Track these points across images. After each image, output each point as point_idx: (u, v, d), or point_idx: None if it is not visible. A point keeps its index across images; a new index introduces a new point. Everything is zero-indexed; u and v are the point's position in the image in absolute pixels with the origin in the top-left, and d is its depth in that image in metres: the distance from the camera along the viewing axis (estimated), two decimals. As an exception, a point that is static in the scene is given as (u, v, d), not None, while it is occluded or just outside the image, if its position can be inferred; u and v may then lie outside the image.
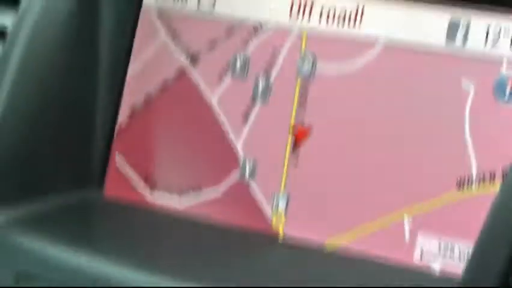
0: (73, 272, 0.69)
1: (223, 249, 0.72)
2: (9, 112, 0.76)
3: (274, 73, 0.72)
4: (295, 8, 0.73)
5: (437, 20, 0.69)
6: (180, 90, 0.77)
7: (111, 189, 0.78)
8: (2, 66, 0.77)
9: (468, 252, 0.63)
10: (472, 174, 0.66)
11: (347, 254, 0.70)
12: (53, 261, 0.70)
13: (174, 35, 0.77)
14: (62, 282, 0.69)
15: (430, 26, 0.69)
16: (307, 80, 0.71)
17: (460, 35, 0.68)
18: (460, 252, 0.66)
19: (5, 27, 0.80)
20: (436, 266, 0.66)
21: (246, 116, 0.73)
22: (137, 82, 0.78)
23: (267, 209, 0.72)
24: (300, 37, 0.72)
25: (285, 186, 0.72)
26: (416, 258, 0.67)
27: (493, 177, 0.64)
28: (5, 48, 0.77)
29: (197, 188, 0.75)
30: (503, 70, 0.65)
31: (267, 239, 0.73)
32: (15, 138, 0.76)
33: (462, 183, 0.66)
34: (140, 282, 0.66)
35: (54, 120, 0.77)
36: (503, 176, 0.62)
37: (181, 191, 0.76)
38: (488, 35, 0.67)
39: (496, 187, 0.63)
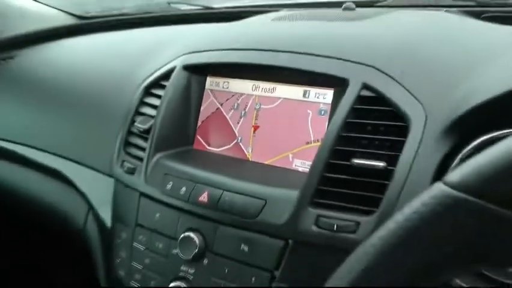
0: (192, 176, 0.71)
1: (234, 163, 0.74)
2: (165, 122, 0.77)
3: (247, 109, 0.75)
4: (254, 88, 0.75)
5: (298, 90, 0.70)
6: (217, 115, 0.78)
7: (196, 146, 0.79)
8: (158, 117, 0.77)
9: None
10: (311, 140, 0.68)
11: (271, 166, 0.71)
12: (183, 172, 0.72)
13: (215, 96, 0.78)
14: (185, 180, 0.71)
15: (299, 93, 0.70)
16: (258, 111, 0.74)
17: (307, 95, 0.70)
18: (307, 165, 0.68)
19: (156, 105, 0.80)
20: (300, 169, 0.68)
21: (238, 121, 0.76)
22: (203, 114, 0.79)
23: (246, 152, 0.75)
24: (255, 98, 0.74)
25: (251, 144, 0.74)
26: (293, 167, 0.70)
27: (319, 140, 0.66)
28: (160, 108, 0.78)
29: (222, 145, 0.77)
30: (321, 106, 0.68)
31: (245, 161, 0.74)
32: (170, 132, 0.77)
33: (308, 142, 0.69)
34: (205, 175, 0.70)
35: (182, 129, 0.78)
36: (323, 140, 0.62)
37: (217, 146, 0.77)
38: (315, 95, 0.69)
39: (318, 144, 0.64)
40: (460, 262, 0.30)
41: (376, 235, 0.32)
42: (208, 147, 0.78)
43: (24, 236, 1.30)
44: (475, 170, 0.28)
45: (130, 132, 0.81)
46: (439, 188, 0.29)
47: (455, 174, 0.29)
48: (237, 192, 0.65)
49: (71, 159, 0.89)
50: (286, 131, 0.71)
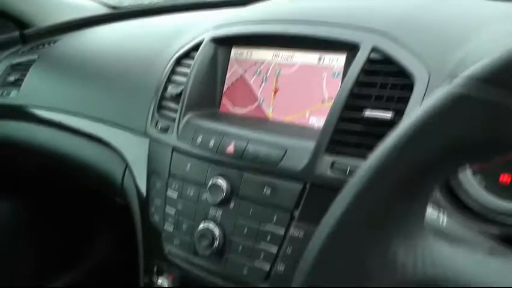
0: (220, 131, 0.71)
1: (256, 121, 0.74)
2: (194, 87, 0.77)
3: (268, 74, 0.75)
4: (274, 56, 0.75)
5: (314, 56, 0.71)
6: (241, 81, 0.78)
7: (222, 108, 0.79)
8: (188, 82, 0.78)
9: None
10: (326, 99, 0.69)
11: (290, 123, 0.72)
12: (211, 128, 0.73)
13: (239, 64, 0.78)
14: (214, 135, 0.71)
15: (314, 58, 0.71)
16: (278, 76, 0.75)
17: (322, 60, 0.71)
18: (322, 122, 0.67)
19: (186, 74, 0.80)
20: (316, 126, 0.69)
21: (260, 85, 0.76)
22: (228, 80, 0.79)
23: (267, 112, 0.75)
24: (275, 64, 0.75)
25: (272, 104, 0.75)
26: (309, 124, 0.70)
27: (332, 99, 0.66)
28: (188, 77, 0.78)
29: (245, 107, 0.77)
30: (334, 69, 0.69)
31: (267, 120, 0.75)
32: (199, 96, 0.78)
33: (323, 101, 0.70)
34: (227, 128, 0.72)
35: (209, 93, 0.79)
36: (337, 96, 0.63)
37: (241, 108, 0.78)
38: (330, 60, 0.69)
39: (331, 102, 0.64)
40: (470, 151, 0.30)
41: (391, 135, 0.32)
42: (233, 110, 0.79)
43: (73, 196, 1.32)
44: (477, 69, 0.28)
45: (163, 97, 0.81)
46: (447, 87, 0.30)
47: (461, 76, 0.29)
48: (260, 143, 0.65)
49: (111, 123, 0.91)
50: (303, 92, 0.71)
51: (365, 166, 0.33)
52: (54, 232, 1.35)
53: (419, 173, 0.31)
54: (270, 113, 0.75)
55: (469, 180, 0.57)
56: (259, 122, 0.73)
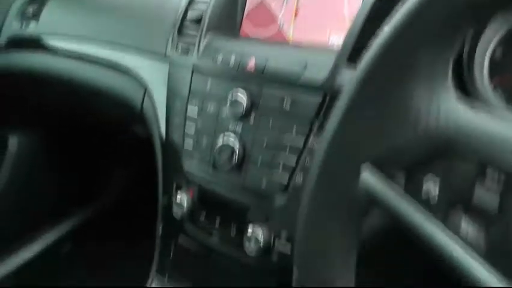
0: (240, 49, 0.72)
1: (277, 42, 0.75)
2: (214, 12, 0.78)
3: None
4: None
5: None
6: (261, 5, 0.78)
7: (242, 33, 0.79)
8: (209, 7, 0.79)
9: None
10: (346, 18, 0.69)
11: (311, 43, 0.72)
12: (232, 47, 0.74)
13: None
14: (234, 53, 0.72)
15: None
16: (298, 0, 0.75)
17: None
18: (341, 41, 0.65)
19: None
20: (336, 44, 0.70)
21: (281, 9, 0.76)
22: (249, 5, 0.79)
23: (287, 33, 0.76)
24: None
25: (293, 25, 0.75)
26: (330, 43, 0.71)
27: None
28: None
29: (266, 32, 0.77)
30: None
31: (287, 43, 0.75)
32: (219, 21, 0.79)
33: (343, 21, 0.70)
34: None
35: (229, 18, 0.80)
36: (358, 10, 0.63)
37: (261, 32, 0.78)
38: None
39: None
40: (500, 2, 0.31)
41: None
42: (253, 33, 0.79)
43: (91, 130, 1.34)
44: None
45: (183, 22, 0.81)
46: None
47: None
48: (280, 59, 0.67)
49: (130, 48, 0.92)
50: (324, 13, 0.72)
51: (398, 12, 0.33)
52: (73, 166, 1.38)
53: (450, 17, 0.32)
54: (290, 35, 0.75)
55: (489, 94, 0.58)
56: (280, 42, 0.74)
